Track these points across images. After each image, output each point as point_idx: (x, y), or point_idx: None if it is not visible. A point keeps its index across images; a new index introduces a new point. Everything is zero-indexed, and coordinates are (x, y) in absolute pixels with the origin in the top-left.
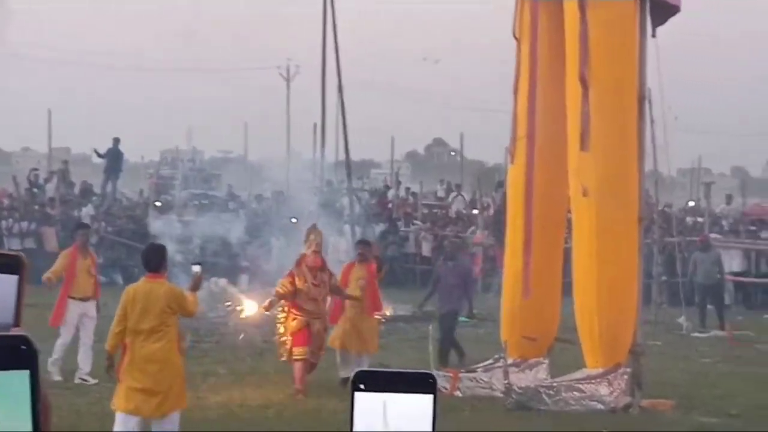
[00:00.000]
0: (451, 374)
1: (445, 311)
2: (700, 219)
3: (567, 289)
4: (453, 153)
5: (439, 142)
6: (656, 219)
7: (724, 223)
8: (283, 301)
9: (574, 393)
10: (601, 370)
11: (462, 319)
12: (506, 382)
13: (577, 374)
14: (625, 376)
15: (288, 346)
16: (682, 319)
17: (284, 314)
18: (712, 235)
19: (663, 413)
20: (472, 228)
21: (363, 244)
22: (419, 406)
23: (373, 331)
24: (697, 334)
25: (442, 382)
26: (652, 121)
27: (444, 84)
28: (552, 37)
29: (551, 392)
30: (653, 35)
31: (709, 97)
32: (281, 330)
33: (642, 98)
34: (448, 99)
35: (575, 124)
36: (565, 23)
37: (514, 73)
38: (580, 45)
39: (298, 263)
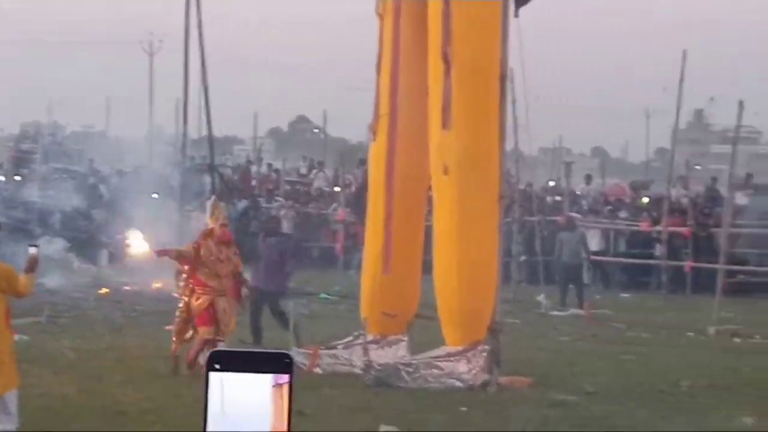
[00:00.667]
0: (311, 351)
1: (268, 288)
2: (560, 198)
3: (428, 266)
4: (316, 130)
5: (302, 119)
6: (517, 198)
7: (583, 202)
8: (184, 276)
9: (433, 370)
10: (460, 347)
11: (323, 296)
12: (366, 359)
13: (437, 351)
14: (484, 354)
15: (182, 325)
16: (541, 298)
17: (185, 290)
18: (572, 215)
19: (521, 390)
20: (334, 205)
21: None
22: (276, 385)
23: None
24: (556, 313)
25: (301, 359)
26: (513, 101)
27: (308, 60)
28: (415, 14)
29: (410, 369)
30: (516, 15)
31: (571, 78)
32: (181, 306)
33: (504, 77)
34: (312, 76)
35: (437, 101)
36: (428, 1)
37: (376, 51)
38: (443, 23)
39: (204, 236)
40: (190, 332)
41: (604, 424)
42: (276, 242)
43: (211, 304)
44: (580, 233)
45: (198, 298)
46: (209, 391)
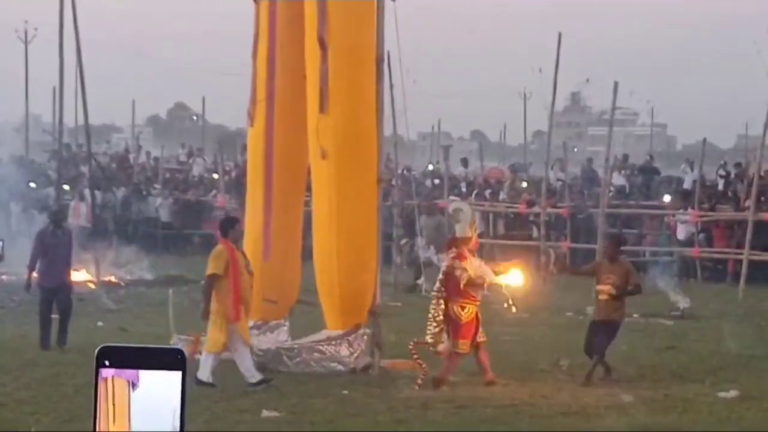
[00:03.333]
0: (191, 338)
1: (54, 285)
2: (438, 181)
3: (309, 251)
4: (195, 117)
5: (181, 107)
6: (396, 182)
7: (462, 185)
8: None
9: (315, 354)
10: (341, 331)
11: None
12: None
13: (318, 336)
14: (365, 337)
15: None
16: (421, 281)
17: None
18: (451, 198)
19: (402, 373)
20: (214, 192)
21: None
22: (167, 382)
23: None
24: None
25: (184, 346)
26: (391, 85)
27: (185, 47)
28: None
29: (292, 354)
30: None
31: (449, 62)
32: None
33: (380, 61)
34: (190, 63)
35: (314, 86)
36: None
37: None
38: (319, 6)
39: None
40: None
41: (487, 404)
42: (63, 234)
43: None
44: (438, 220)
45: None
46: (98, 389)
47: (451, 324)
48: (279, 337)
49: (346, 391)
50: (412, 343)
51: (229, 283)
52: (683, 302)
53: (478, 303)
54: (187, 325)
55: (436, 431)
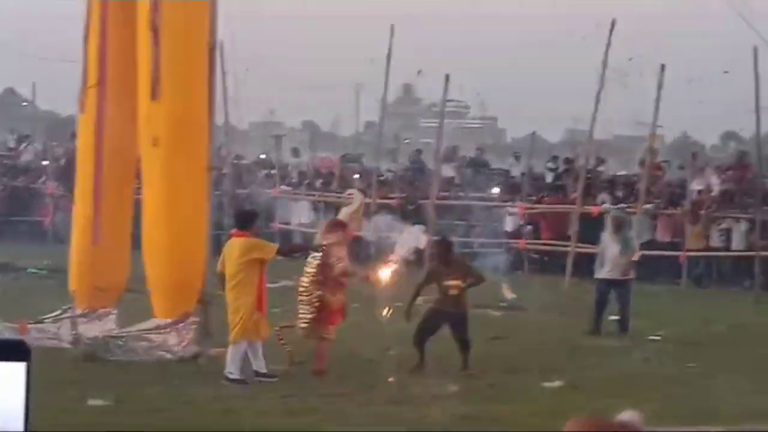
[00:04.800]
0: (18, 326)
1: None
2: (273, 171)
3: (138, 239)
4: (25, 103)
5: (10, 92)
6: (227, 170)
7: (294, 175)
8: None
9: (143, 343)
10: (169, 320)
11: (31, 270)
12: (74, 332)
13: (146, 324)
14: (194, 326)
15: None
16: None
17: None
18: (282, 188)
19: None
20: (43, 178)
21: None
22: (10, 374)
23: None
24: (269, 285)
25: (10, 334)
26: (224, 73)
27: (15, 31)
28: None
29: (120, 342)
30: None
31: (283, 52)
32: None
33: (213, 49)
34: (19, 47)
35: (146, 72)
36: None
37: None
38: None
39: None
40: None
41: (313, 392)
42: None
43: None
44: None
45: None
46: None
47: (322, 310)
48: (107, 326)
49: (174, 380)
50: (278, 328)
51: (258, 274)
52: (510, 294)
53: (346, 290)
54: (14, 313)
55: (264, 420)
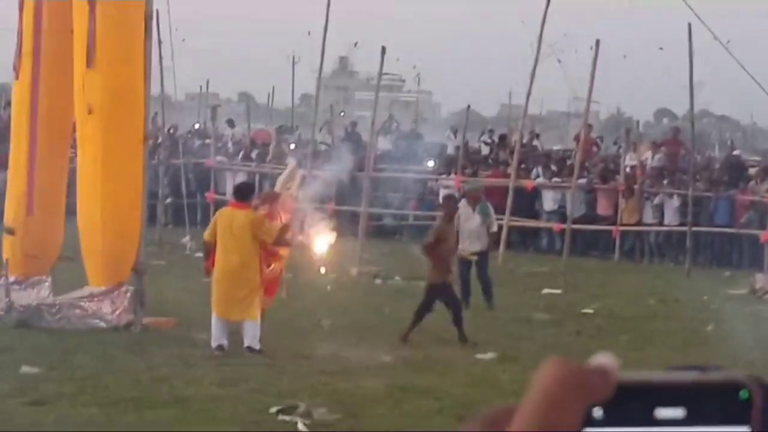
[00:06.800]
0: None
1: None
2: (207, 141)
3: (72, 208)
4: None
5: None
6: (163, 140)
7: (230, 146)
8: None
9: (77, 311)
10: (103, 288)
11: None
12: (7, 300)
13: (80, 292)
14: (128, 295)
15: None
16: (186, 240)
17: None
18: (218, 158)
19: (165, 331)
20: None
21: None
22: None
23: None
24: (200, 255)
25: None
26: (159, 42)
27: None
28: None
29: (53, 310)
30: None
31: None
32: None
33: (149, 18)
34: None
35: (81, 40)
36: None
37: None
38: None
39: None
40: None
41: (248, 362)
42: None
43: None
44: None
45: None
46: None
47: None
48: (40, 293)
49: (107, 348)
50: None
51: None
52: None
53: (283, 260)
54: None
55: (196, 390)
